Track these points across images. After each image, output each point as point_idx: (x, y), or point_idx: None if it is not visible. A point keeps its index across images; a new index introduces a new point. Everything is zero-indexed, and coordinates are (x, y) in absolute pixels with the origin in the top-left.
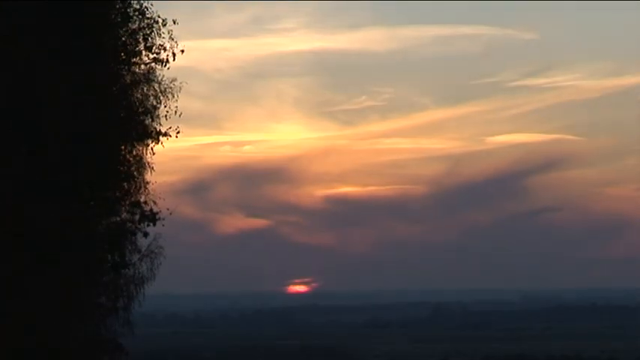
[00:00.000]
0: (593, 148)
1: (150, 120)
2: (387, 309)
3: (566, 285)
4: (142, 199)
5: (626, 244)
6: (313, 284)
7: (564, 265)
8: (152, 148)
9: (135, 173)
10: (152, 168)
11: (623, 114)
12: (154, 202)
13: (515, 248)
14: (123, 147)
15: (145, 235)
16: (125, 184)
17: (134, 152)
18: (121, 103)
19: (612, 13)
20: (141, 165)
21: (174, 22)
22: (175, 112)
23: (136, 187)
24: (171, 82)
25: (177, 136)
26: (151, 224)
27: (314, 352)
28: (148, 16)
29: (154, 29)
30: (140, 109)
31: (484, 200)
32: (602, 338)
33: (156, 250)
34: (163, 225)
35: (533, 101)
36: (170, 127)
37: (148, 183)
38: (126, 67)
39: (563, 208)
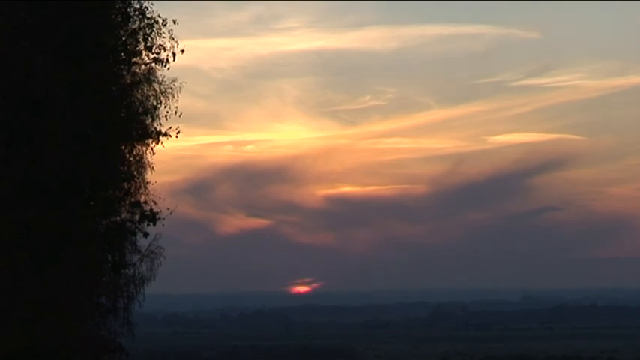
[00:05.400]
0: (594, 147)
1: (150, 120)
2: (387, 309)
3: (566, 285)
4: (142, 199)
5: (626, 244)
6: (314, 284)
7: (564, 265)
8: (152, 148)
9: (135, 173)
10: (152, 168)
11: (624, 114)
12: (154, 202)
13: (516, 248)
14: (123, 147)
15: (145, 235)
16: (125, 184)
17: (134, 152)
18: (121, 103)
19: (614, 12)
20: (141, 165)
21: (175, 22)
22: (175, 112)
23: (136, 187)
24: (171, 83)
25: (177, 137)
26: (151, 224)
27: (314, 352)
28: (148, 16)
29: (154, 29)
30: (140, 110)
31: (485, 200)
32: (602, 338)
33: (156, 250)
34: (163, 225)
35: (535, 101)
36: (170, 127)
37: (148, 183)
38: (126, 67)
39: (564, 208)
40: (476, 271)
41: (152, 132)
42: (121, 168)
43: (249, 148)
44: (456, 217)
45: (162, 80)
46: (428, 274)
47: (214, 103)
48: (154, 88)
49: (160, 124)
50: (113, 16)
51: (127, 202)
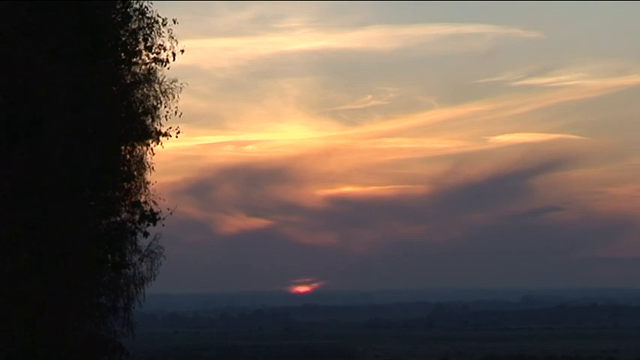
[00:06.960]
0: (596, 147)
1: (150, 120)
2: (387, 309)
3: (566, 285)
4: (142, 199)
5: (627, 244)
6: (314, 284)
7: (565, 265)
8: (152, 148)
9: (135, 173)
10: (152, 168)
11: (626, 113)
12: (154, 202)
13: (516, 248)
14: (123, 147)
15: (145, 235)
16: (125, 184)
17: (134, 152)
18: (121, 103)
19: (616, 12)
20: (141, 165)
21: (175, 22)
22: (175, 112)
23: (136, 187)
24: (172, 83)
25: (177, 136)
26: (151, 224)
27: (314, 352)
28: (148, 15)
29: (154, 29)
30: (140, 110)
31: (486, 200)
32: (602, 338)
33: (156, 250)
34: (163, 225)
35: (536, 100)
36: (170, 127)
37: (148, 183)
38: (126, 67)
39: (565, 208)
40: (476, 271)
41: (152, 132)
42: (121, 168)
43: (249, 148)
44: (457, 217)
45: (162, 80)
46: (428, 274)
47: (215, 102)
48: (154, 88)
49: (160, 124)
50: (113, 16)
51: (127, 202)
